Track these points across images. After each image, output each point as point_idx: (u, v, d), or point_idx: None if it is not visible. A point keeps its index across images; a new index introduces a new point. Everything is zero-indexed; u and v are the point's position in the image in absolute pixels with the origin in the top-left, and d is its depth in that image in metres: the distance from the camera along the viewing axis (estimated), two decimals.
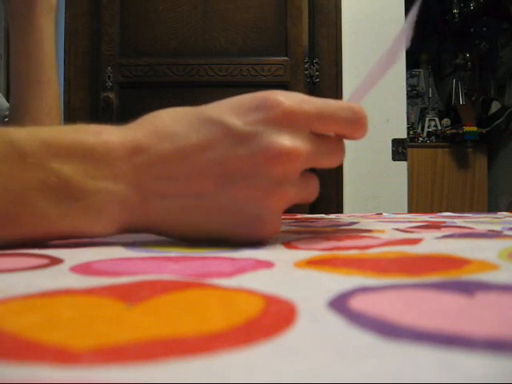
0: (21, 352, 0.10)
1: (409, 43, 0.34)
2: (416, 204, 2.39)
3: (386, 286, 0.15)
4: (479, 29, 2.73)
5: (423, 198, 2.46)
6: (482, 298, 0.14)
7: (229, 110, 0.27)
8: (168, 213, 0.27)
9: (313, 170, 0.29)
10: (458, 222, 0.43)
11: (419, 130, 2.64)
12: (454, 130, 2.51)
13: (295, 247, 0.25)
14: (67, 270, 0.18)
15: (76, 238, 0.27)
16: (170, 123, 0.27)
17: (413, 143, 2.46)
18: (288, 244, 0.26)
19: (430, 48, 2.88)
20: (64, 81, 1.76)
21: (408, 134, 2.15)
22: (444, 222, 0.42)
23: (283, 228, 0.36)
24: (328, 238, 0.29)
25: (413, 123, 2.63)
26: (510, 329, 0.11)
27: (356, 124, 0.28)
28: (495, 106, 2.56)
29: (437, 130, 2.60)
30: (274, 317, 0.12)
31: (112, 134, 0.26)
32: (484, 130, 2.52)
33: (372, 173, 1.82)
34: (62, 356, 0.09)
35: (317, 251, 0.23)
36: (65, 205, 0.25)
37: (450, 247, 0.24)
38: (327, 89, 1.79)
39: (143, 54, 1.75)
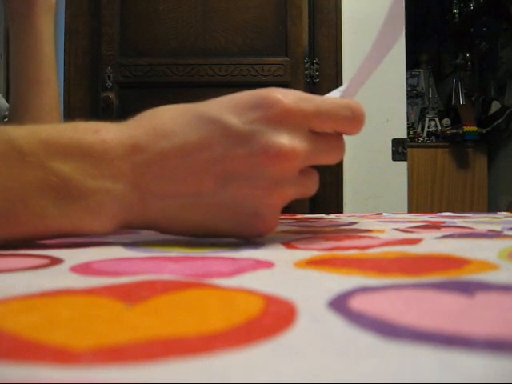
0: (21, 352, 0.10)
1: (403, 29, 0.34)
2: (416, 204, 2.39)
3: (386, 286, 0.15)
4: (479, 29, 2.73)
5: (423, 198, 2.46)
6: (481, 297, 0.14)
7: (227, 109, 0.27)
8: (167, 211, 0.27)
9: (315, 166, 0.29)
10: (458, 221, 0.43)
11: (419, 130, 2.64)
12: (454, 130, 2.51)
13: (295, 247, 0.25)
14: (67, 270, 0.18)
15: (75, 236, 0.27)
16: (169, 121, 0.27)
17: (413, 143, 2.46)
18: (288, 244, 0.26)
19: (430, 48, 2.88)
20: (64, 81, 1.76)
21: (408, 134, 2.15)
22: (444, 222, 0.42)
23: (283, 228, 0.36)
24: (328, 238, 0.29)
25: (413, 123, 2.64)
26: (510, 329, 0.11)
27: (354, 121, 0.28)
28: (495, 106, 2.56)
29: (437, 130, 2.60)
30: (274, 317, 0.12)
31: (110, 132, 0.26)
32: (484, 130, 2.52)
33: (372, 173, 1.82)
34: (62, 356, 0.09)
35: (317, 251, 0.23)
36: (64, 203, 0.25)
37: (450, 247, 0.24)
38: (327, 89, 1.79)
39: (143, 53, 1.75)
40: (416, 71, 2.74)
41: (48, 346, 0.10)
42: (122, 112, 1.71)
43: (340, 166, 1.77)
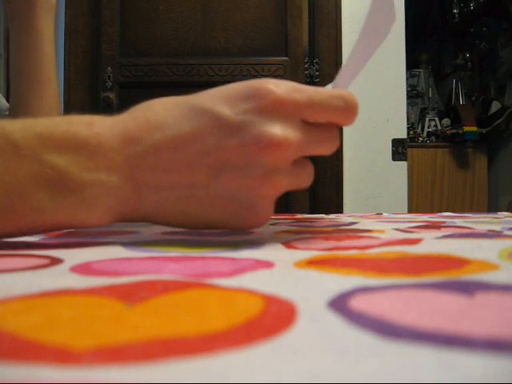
0: (21, 352, 0.10)
1: (395, 18, 0.33)
2: (416, 204, 2.39)
3: (386, 286, 0.15)
4: (479, 29, 2.73)
5: (423, 198, 2.46)
6: (481, 297, 0.14)
7: (219, 100, 0.27)
8: (161, 203, 0.27)
9: (313, 159, 0.29)
10: (458, 222, 0.43)
11: (419, 129, 2.64)
12: (454, 130, 2.51)
13: (295, 247, 0.25)
14: (67, 270, 0.18)
15: (72, 229, 0.27)
16: (162, 113, 0.27)
17: (413, 143, 2.46)
18: (288, 244, 0.26)
19: (430, 48, 2.88)
20: (64, 81, 1.76)
21: (408, 134, 2.15)
22: (444, 222, 0.42)
23: (283, 228, 0.36)
24: (328, 238, 0.29)
25: (413, 123, 2.63)
26: (510, 329, 0.11)
27: (347, 112, 0.28)
28: (495, 106, 2.56)
29: (437, 130, 2.60)
30: (274, 317, 0.12)
31: (104, 125, 0.27)
32: (484, 130, 2.52)
33: (372, 173, 1.82)
34: (62, 356, 0.09)
35: (317, 251, 0.23)
36: (60, 196, 0.25)
37: (450, 247, 0.24)
38: None
39: (143, 53, 1.75)
40: (416, 71, 2.73)
41: (48, 346, 0.10)
42: (121, 112, 1.70)
43: (340, 165, 1.77)
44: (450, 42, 2.89)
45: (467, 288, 0.15)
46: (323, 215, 0.55)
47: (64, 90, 1.75)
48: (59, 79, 0.66)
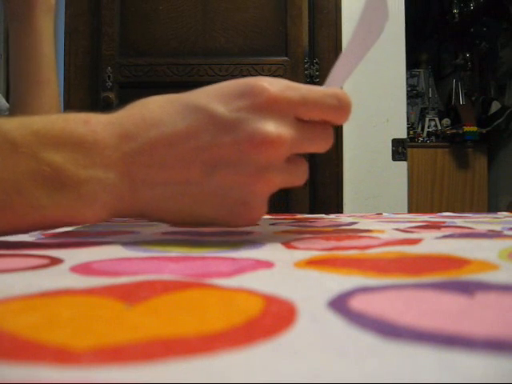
0: (21, 352, 0.10)
1: (387, 17, 0.34)
2: (416, 204, 2.39)
3: (386, 286, 0.15)
4: (479, 29, 2.73)
5: (423, 198, 2.46)
6: (481, 298, 0.14)
7: (214, 97, 0.27)
8: (156, 199, 0.27)
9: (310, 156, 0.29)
10: (458, 222, 0.43)
11: (419, 129, 2.64)
12: (454, 130, 2.51)
13: (295, 247, 0.25)
14: (67, 270, 0.18)
15: (69, 225, 0.28)
16: (157, 111, 0.28)
17: (413, 143, 2.46)
18: (288, 244, 0.26)
19: (430, 48, 2.88)
20: (64, 81, 1.76)
21: (408, 133, 2.15)
22: (444, 222, 0.42)
23: (283, 228, 0.36)
24: (328, 238, 0.29)
25: (413, 123, 2.63)
26: (510, 329, 0.11)
27: (341, 110, 0.29)
28: (495, 106, 2.56)
29: (437, 130, 2.60)
30: (274, 317, 0.12)
31: (100, 122, 0.27)
32: (484, 130, 2.52)
33: (372, 173, 1.82)
34: (62, 356, 0.09)
35: (317, 251, 0.23)
36: (57, 193, 0.25)
37: (450, 247, 0.24)
38: None
39: (143, 54, 1.75)
40: (416, 71, 2.73)
41: (48, 346, 0.10)
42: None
43: (340, 165, 1.77)
44: (450, 42, 2.89)
45: (467, 288, 0.15)
46: (323, 215, 0.55)
47: (64, 90, 1.75)
48: (59, 79, 0.67)
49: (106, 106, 1.71)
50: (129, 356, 0.09)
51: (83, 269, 0.19)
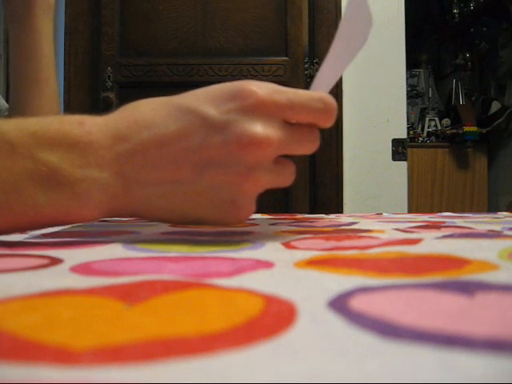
0: (21, 352, 0.10)
1: (371, 23, 0.34)
2: (416, 204, 2.39)
3: (386, 286, 0.15)
4: (479, 29, 2.73)
5: (423, 198, 2.46)
6: (482, 298, 0.14)
7: (204, 100, 0.28)
8: (149, 198, 0.28)
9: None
10: (458, 222, 0.43)
11: (419, 130, 2.64)
12: (454, 130, 2.51)
13: (295, 247, 0.25)
14: (67, 270, 0.18)
15: (65, 224, 0.28)
16: (150, 113, 0.28)
17: (413, 143, 2.46)
18: (288, 244, 0.26)
19: (430, 48, 2.88)
20: (64, 81, 1.76)
21: (408, 134, 2.15)
22: (444, 222, 0.42)
23: (283, 228, 0.36)
24: (328, 238, 0.29)
25: (413, 123, 2.63)
26: (510, 329, 0.11)
27: (326, 114, 0.30)
28: (495, 106, 2.55)
29: (437, 130, 2.60)
30: (274, 317, 0.12)
31: (95, 124, 0.28)
32: (484, 130, 2.52)
33: (372, 173, 1.82)
34: (62, 356, 0.09)
35: (317, 251, 0.23)
36: (53, 192, 0.26)
37: (450, 247, 0.24)
38: None
39: (143, 54, 1.75)
40: (416, 71, 2.73)
41: (48, 346, 0.10)
42: None
43: (340, 165, 1.77)
44: (450, 42, 2.89)
45: (467, 288, 0.15)
46: (323, 215, 0.55)
47: (64, 90, 1.75)
48: (59, 79, 0.67)
49: (105, 106, 1.71)
50: (129, 356, 0.09)
51: (83, 269, 0.19)
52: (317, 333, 0.11)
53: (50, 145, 0.26)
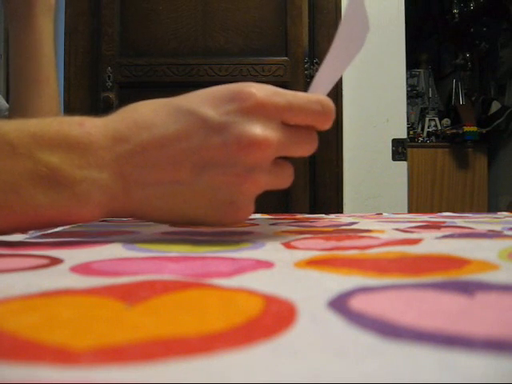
0: (21, 352, 0.10)
1: (369, 27, 0.35)
2: (416, 204, 2.39)
3: (386, 286, 0.15)
4: (479, 29, 2.73)
5: (423, 198, 2.46)
6: (481, 298, 0.14)
7: (204, 101, 0.28)
8: (148, 199, 0.28)
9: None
10: (458, 222, 0.43)
11: (419, 130, 2.64)
12: (454, 130, 2.51)
13: (295, 247, 0.25)
14: (67, 270, 0.18)
15: (65, 224, 0.28)
16: (149, 114, 0.29)
17: (413, 143, 2.45)
18: (288, 244, 0.26)
19: (430, 48, 2.88)
20: (64, 81, 1.76)
21: (408, 134, 2.15)
22: (444, 222, 0.42)
23: (283, 228, 0.36)
24: (328, 238, 0.29)
25: (413, 123, 2.63)
26: (510, 329, 0.11)
27: (324, 116, 0.30)
28: (495, 106, 2.55)
29: (437, 130, 2.60)
30: (274, 317, 0.12)
31: (94, 125, 0.28)
32: (484, 130, 2.52)
33: (372, 173, 1.82)
34: (62, 356, 0.09)
35: (317, 251, 0.23)
36: (53, 192, 0.26)
37: (449, 247, 0.24)
38: None
39: (143, 54, 1.75)
40: (416, 71, 2.73)
41: (48, 346, 0.10)
42: None
43: (340, 166, 1.77)
44: (450, 42, 2.89)
45: (467, 288, 0.15)
46: (323, 215, 0.55)
47: (64, 90, 1.75)
48: (59, 79, 0.67)
49: (106, 106, 1.71)
50: (129, 356, 0.09)
51: (83, 269, 0.19)
52: (317, 333, 0.11)
53: (50, 146, 0.26)
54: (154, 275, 0.17)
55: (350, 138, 1.77)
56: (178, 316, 0.12)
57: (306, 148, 0.31)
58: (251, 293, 0.14)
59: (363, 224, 0.40)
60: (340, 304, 0.13)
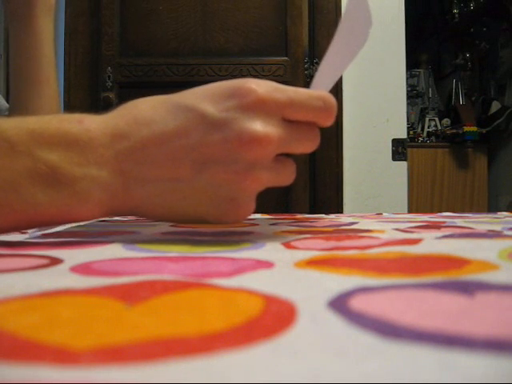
0: (21, 352, 0.10)
1: (371, 22, 0.34)
2: (416, 204, 2.39)
3: (386, 286, 0.15)
4: (479, 29, 2.73)
5: (423, 198, 2.46)
6: (481, 298, 0.14)
7: (204, 98, 0.28)
8: (148, 196, 0.28)
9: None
10: (458, 222, 0.43)
11: (419, 130, 2.64)
12: (454, 130, 2.51)
13: (295, 247, 0.25)
14: (67, 270, 0.18)
15: (65, 223, 0.28)
16: (149, 111, 0.28)
17: (413, 143, 2.45)
18: (288, 244, 0.26)
19: (430, 48, 2.88)
20: (64, 81, 1.76)
21: (408, 134, 2.15)
22: (444, 222, 0.42)
23: (283, 228, 0.36)
24: (328, 238, 0.29)
25: (413, 123, 2.63)
26: (510, 329, 0.11)
27: (326, 112, 0.30)
28: (495, 106, 2.55)
29: (437, 130, 2.60)
30: (274, 317, 0.12)
31: (94, 122, 0.28)
32: (484, 130, 2.52)
33: (372, 173, 1.82)
34: (62, 356, 0.09)
35: (317, 251, 0.23)
36: (53, 190, 0.26)
37: (450, 247, 0.24)
38: None
39: (143, 54, 1.75)
40: (416, 71, 2.73)
41: (48, 346, 0.10)
42: None
43: (340, 165, 1.77)
44: (450, 42, 2.89)
45: (467, 288, 0.15)
46: (323, 215, 0.55)
47: (64, 90, 1.75)
48: (59, 79, 0.67)
49: (105, 106, 1.71)
50: (129, 356, 0.09)
51: (83, 269, 0.19)
52: (317, 333, 0.11)
53: (50, 143, 0.26)
54: (154, 275, 0.17)
55: (350, 138, 1.77)
56: (178, 316, 0.12)
57: (308, 144, 0.30)
58: (251, 293, 0.14)
59: (363, 224, 0.40)
60: (340, 304, 0.13)
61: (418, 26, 2.84)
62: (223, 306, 0.13)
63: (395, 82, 1.82)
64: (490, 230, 0.33)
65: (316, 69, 1.77)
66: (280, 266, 0.19)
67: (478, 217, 0.51)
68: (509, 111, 2.47)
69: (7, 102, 0.69)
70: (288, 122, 0.29)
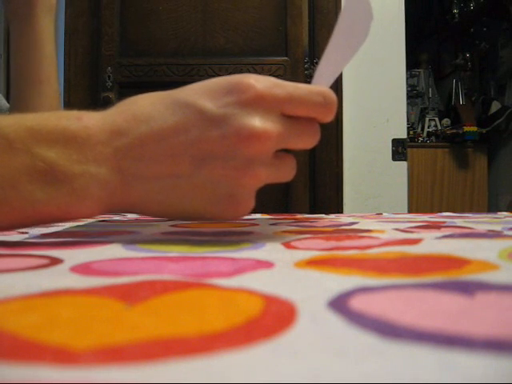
0: (21, 352, 0.10)
1: (372, 17, 0.34)
2: (416, 204, 2.39)
3: (386, 286, 0.15)
4: (479, 29, 2.73)
5: (423, 198, 2.46)
6: (481, 298, 0.14)
7: (202, 94, 0.28)
8: (147, 193, 0.28)
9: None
10: (458, 222, 0.43)
11: (419, 130, 2.64)
12: (454, 130, 2.51)
13: (295, 247, 0.25)
14: (67, 270, 0.18)
15: (64, 220, 0.28)
16: (147, 107, 0.28)
17: (413, 143, 2.46)
18: (288, 244, 0.26)
19: (430, 48, 2.88)
20: (64, 81, 1.76)
21: (408, 134, 2.15)
22: (444, 222, 0.42)
23: (283, 228, 0.36)
24: (328, 238, 0.29)
25: (413, 123, 2.63)
26: (510, 329, 0.11)
27: (326, 107, 0.29)
28: (495, 106, 2.55)
29: (437, 130, 2.60)
30: (274, 317, 0.12)
31: (92, 119, 0.27)
32: (484, 130, 2.52)
33: (372, 173, 1.82)
34: (62, 356, 0.09)
35: (317, 251, 0.23)
36: (51, 188, 0.26)
37: (449, 247, 0.24)
38: None
39: (143, 53, 1.75)
40: (416, 71, 2.73)
41: (48, 346, 0.10)
42: None
43: (340, 166, 1.77)
44: (450, 42, 2.89)
45: (467, 288, 0.15)
46: (323, 215, 0.55)
47: (64, 90, 1.75)
48: (59, 79, 0.67)
49: (105, 106, 1.70)
50: (129, 356, 0.09)
51: (83, 269, 0.19)
52: (317, 333, 0.11)
53: (48, 140, 0.26)
54: (154, 275, 0.17)
55: (350, 138, 1.77)
56: (178, 316, 0.12)
57: (308, 140, 0.30)
58: (251, 293, 0.14)
59: (363, 224, 0.40)
60: (340, 304, 0.13)
61: (418, 26, 2.84)
62: (223, 305, 0.13)
63: (395, 82, 1.82)
64: (490, 230, 0.33)
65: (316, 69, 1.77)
66: (280, 266, 0.19)
67: (478, 217, 0.51)
68: (509, 111, 2.47)
69: (8, 102, 0.69)
70: (287, 118, 0.29)
